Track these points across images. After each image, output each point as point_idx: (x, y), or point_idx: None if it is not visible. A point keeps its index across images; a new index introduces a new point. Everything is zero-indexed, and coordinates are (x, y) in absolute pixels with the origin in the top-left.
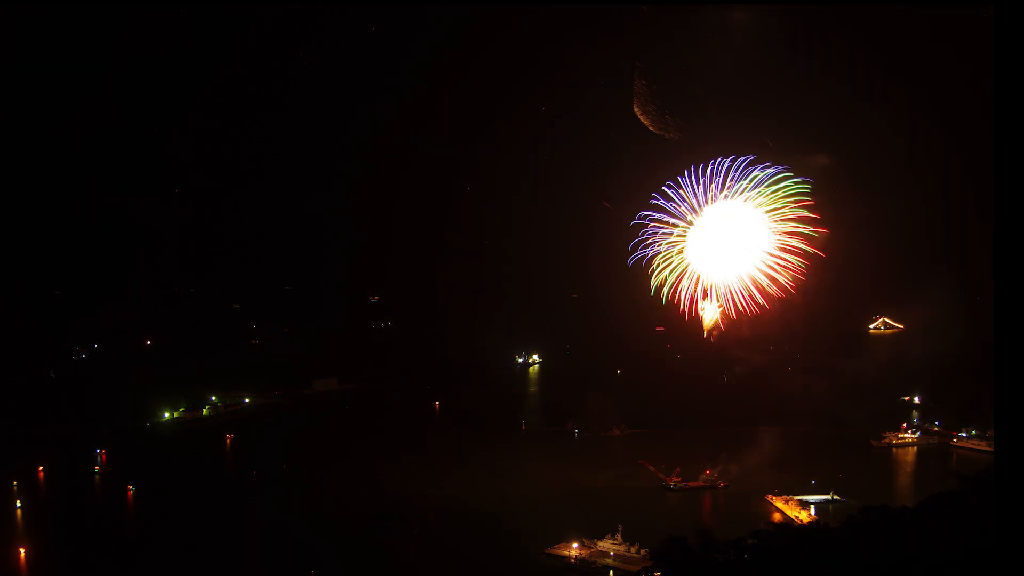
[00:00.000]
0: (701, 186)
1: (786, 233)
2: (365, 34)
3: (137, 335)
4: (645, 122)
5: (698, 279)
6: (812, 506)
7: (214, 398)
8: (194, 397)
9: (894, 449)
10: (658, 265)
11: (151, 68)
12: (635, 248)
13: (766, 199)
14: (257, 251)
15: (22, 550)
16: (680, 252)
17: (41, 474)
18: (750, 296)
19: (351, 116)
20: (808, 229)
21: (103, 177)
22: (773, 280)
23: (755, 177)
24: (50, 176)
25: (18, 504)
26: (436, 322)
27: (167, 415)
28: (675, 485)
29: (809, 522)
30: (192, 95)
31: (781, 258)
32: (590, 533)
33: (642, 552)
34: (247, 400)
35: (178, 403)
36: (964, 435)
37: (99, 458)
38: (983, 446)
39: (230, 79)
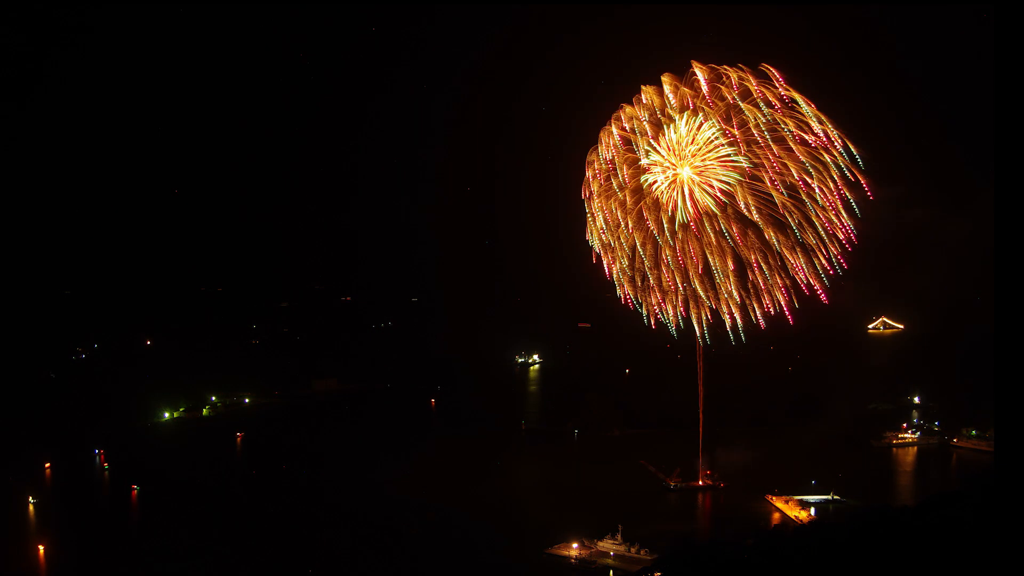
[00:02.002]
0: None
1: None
2: (367, 34)
3: (137, 335)
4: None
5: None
6: (812, 506)
7: (214, 398)
8: (194, 397)
9: (894, 449)
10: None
11: (151, 70)
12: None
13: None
14: (259, 250)
15: (40, 547)
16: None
17: (48, 473)
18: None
19: (346, 115)
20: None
21: (104, 177)
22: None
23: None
24: (50, 176)
25: (31, 500)
26: (436, 322)
27: (167, 415)
28: (675, 485)
29: (809, 522)
30: (192, 95)
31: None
32: (590, 533)
33: (642, 552)
34: (247, 400)
35: (178, 403)
36: (964, 435)
37: (98, 458)
38: (983, 446)
39: (231, 79)
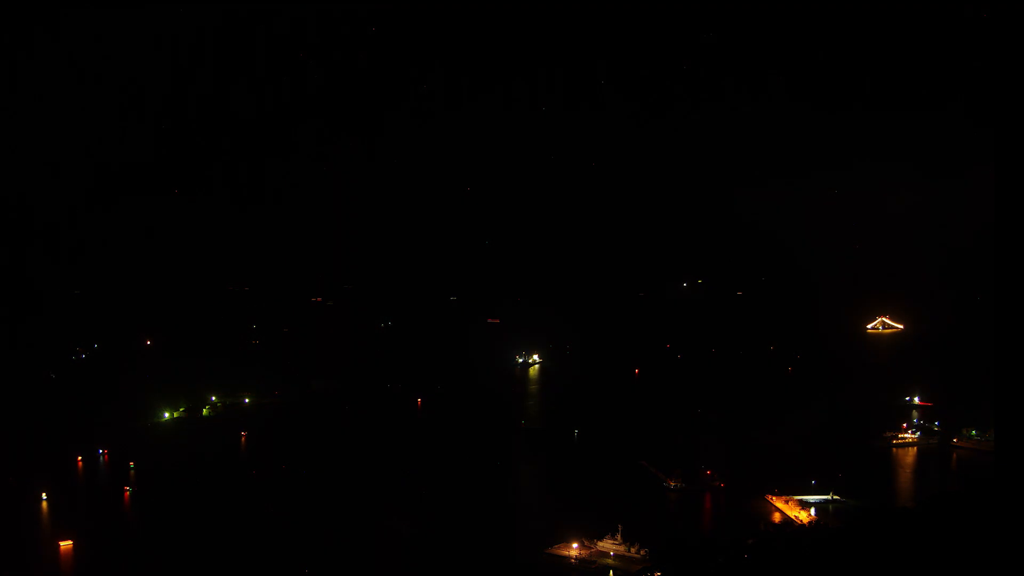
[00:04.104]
0: None
1: None
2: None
3: (137, 335)
4: None
5: None
6: (812, 506)
7: (214, 398)
8: (194, 397)
9: (894, 449)
10: None
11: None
12: None
13: None
14: (260, 249)
15: (61, 544)
16: None
17: (80, 466)
18: None
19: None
20: None
21: (106, 177)
22: None
23: None
24: (52, 176)
25: (44, 496)
26: (436, 322)
27: (167, 415)
28: (675, 485)
29: (809, 522)
30: (192, 94)
31: None
32: (590, 533)
33: (642, 552)
34: (247, 400)
35: (178, 403)
36: (964, 435)
37: (101, 458)
38: (983, 446)
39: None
